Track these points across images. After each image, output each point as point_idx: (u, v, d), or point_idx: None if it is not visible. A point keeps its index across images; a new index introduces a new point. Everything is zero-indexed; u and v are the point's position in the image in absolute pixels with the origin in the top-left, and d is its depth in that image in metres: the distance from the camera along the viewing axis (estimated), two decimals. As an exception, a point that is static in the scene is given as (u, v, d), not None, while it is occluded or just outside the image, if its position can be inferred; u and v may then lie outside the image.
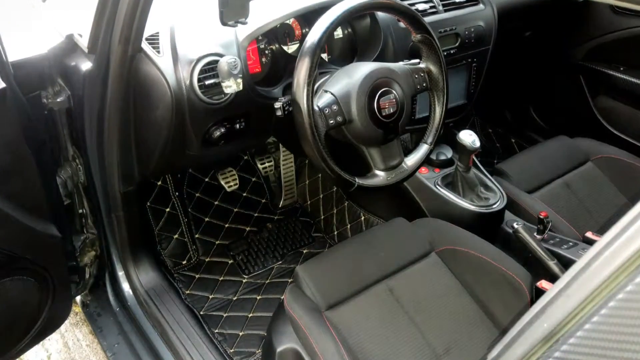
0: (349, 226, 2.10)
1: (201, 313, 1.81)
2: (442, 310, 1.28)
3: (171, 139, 1.38)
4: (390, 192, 1.72)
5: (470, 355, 1.20)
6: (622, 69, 2.10)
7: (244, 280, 1.97)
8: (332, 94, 1.22)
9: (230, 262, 2.03)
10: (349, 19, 1.23)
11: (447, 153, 1.78)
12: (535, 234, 1.54)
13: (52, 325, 1.52)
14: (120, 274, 1.70)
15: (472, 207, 1.62)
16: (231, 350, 1.70)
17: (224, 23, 1.18)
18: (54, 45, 1.40)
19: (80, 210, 1.62)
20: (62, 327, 1.58)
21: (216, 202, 2.12)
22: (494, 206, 1.62)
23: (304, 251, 2.10)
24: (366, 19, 1.59)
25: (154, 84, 1.31)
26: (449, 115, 1.52)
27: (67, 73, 1.42)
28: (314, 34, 1.17)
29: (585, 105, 2.25)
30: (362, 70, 1.24)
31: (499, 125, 2.61)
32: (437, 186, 1.69)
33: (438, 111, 1.37)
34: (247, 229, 2.15)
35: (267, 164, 2.17)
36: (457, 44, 1.73)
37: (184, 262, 1.99)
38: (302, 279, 1.29)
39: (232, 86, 1.28)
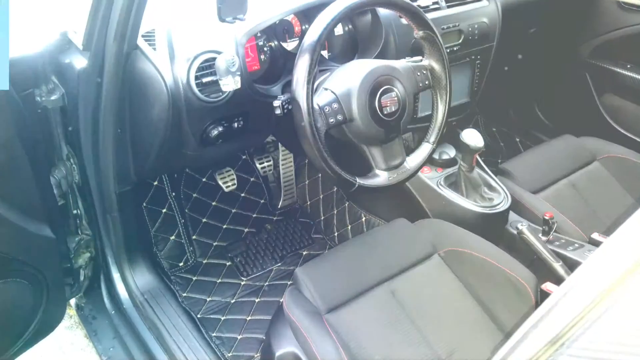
0: (349, 227, 2.08)
1: (198, 316, 1.79)
2: (445, 313, 1.27)
3: (168, 138, 1.37)
4: (391, 193, 1.69)
5: (473, 359, 1.17)
6: (629, 66, 2.08)
7: (242, 283, 1.94)
8: (332, 92, 1.20)
9: (228, 264, 2.01)
10: (349, 15, 1.21)
11: (450, 152, 1.78)
12: (540, 235, 1.53)
13: (46, 328, 1.51)
14: (116, 276, 1.69)
15: (475, 208, 1.61)
16: (229, 354, 1.68)
17: (221, 19, 1.18)
18: (48, 42, 1.39)
19: (75, 211, 1.61)
20: (56, 331, 1.56)
21: (214, 203, 2.10)
22: (498, 207, 1.62)
23: (304, 253, 2.08)
24: (367, 15, 1.57)
25: (150, 82, 1.30)
26: (451, 114, 1.51)
27: (61, 71, 1.41)
28: (314, 31, 1.15)
29: (592, 104, 2.24)
30: (363, 67, 1.23)
31: (503, 124, 2.60)
32: (440, 186, 1.69)
33: (441, 109, 1.35)
34: (246, 230, 2.13)
35: (265, 164, 2.16)
36: (460, 41, 1.71)
37: (181, 264, 1.97)
38: (302, 281, 1.28)
39: (230, 84, 1.27)
